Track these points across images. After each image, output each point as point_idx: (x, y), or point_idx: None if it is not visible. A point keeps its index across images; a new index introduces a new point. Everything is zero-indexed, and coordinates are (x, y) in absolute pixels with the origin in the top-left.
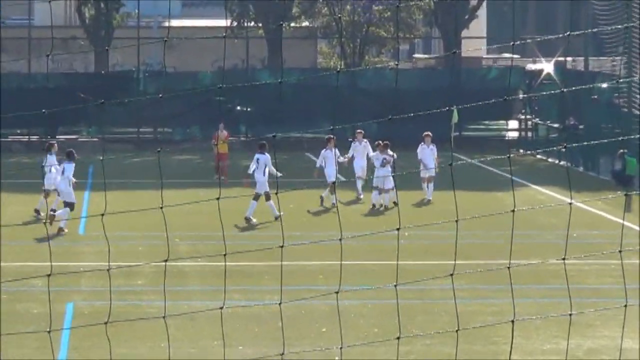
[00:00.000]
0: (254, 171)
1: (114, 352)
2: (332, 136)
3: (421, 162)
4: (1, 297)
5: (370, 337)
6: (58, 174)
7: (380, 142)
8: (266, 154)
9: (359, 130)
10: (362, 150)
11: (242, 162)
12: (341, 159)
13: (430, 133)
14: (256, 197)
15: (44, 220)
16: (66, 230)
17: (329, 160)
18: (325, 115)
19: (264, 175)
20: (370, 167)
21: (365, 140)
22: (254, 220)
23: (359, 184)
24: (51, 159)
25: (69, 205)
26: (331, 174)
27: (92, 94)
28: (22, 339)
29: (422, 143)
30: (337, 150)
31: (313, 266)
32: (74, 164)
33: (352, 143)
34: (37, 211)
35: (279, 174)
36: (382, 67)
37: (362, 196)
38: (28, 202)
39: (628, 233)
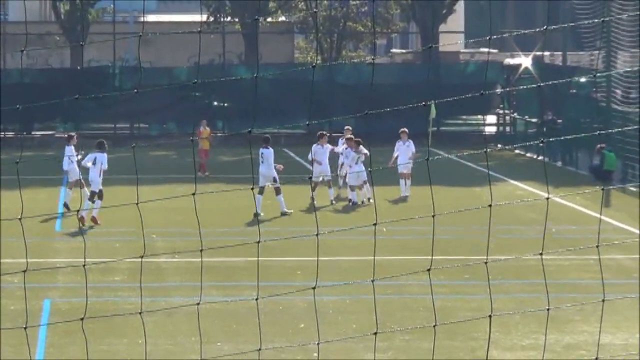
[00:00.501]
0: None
1: (92, 349)
2: (324, 132)
3: (397, 158)
4: None
5: (348, 333)
6: (73, 163)
7: (352, 137)
8: (270, 147)
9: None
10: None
11: (220, 158)
12: (337, 150)
13: (406, 129)
14: (261, 191)
15: (72, 214)
16: (99, 222)
17: (321, 156)
18: (302, 110)
19: (271, 169)
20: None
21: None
22: (262, 214)
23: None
24: (69, 149)
25: (99, 194)
26: (325, 170)
27: (68, 89)
28: None
29: (399, 140)
30: (329, 145)
31: (291, 262)
32: (106, 154)
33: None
34: (66, 205)
35: (280, 168)
36: (359, 62)
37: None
38: (4, 199)
39: (607, 228)
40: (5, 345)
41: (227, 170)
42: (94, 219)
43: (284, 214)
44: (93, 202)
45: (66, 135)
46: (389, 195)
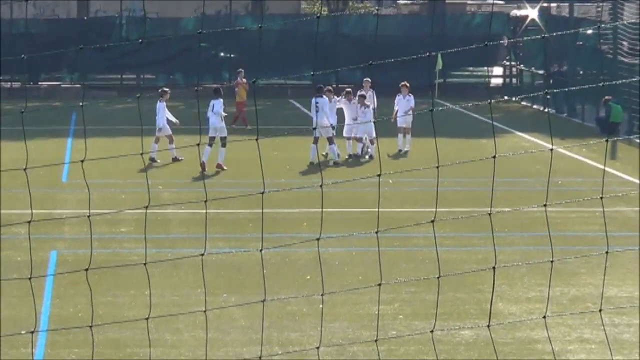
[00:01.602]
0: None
1: (97, 300)
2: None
3: (397, 112)
4: None
5: (354, 284)
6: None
7: (360, 93)
8: (324, 96)
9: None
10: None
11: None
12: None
13: (407, 83)
14: (315, 141)
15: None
16: (225, 168)
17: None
18: (308, 61)
19: (325, 118)
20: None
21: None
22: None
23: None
24: (161, 106)
25: (223, 140)
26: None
27: (74, 40)
28: (4, 287)
29: (399, 93)
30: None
31: (297, 214)
32: (221, 100)
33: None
34: (152, 159)
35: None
36: (365, 14)
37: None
38: (6, 149)
39: (612, 180)
40: (11, 296)
41: (231, 120)
42: (219, 165)
43: (336, 163)
44: (224, 146)
45: (159, 91)
46: (393, 148)
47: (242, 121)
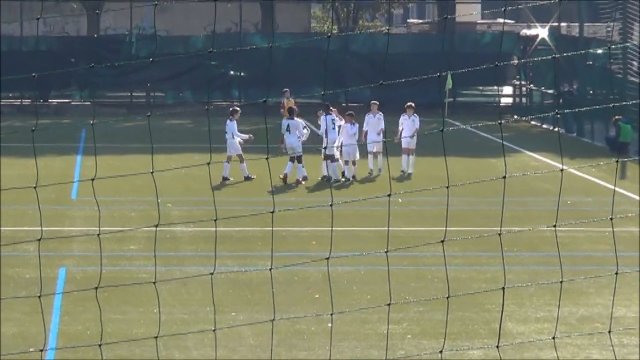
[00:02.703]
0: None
1: (106, 318)
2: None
3: (401, 132)
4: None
5: (363, 303)
6: (235, 139)
7: (352, 113)
8: (331, 114)
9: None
10: (375, 123)
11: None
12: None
13: (412, 104)
14: (330, 158)
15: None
16: (303, 182)
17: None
18: (318, 79)
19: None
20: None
21: (379, 112)
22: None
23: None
24: (231, 125)
25: (298, 158)
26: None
27: (84, 57)
28: (13, 304)
29: (404, 113)
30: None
31: (306, 232)
32: (298, 120)
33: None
34: (224, 178)
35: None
36: (375, 32)
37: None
38: (16, 166)
39: (622, 200)
40: (20, 313)
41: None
42: (298, 181)
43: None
44: (300, 163)
45: (230, 110)
46: (397, 166)
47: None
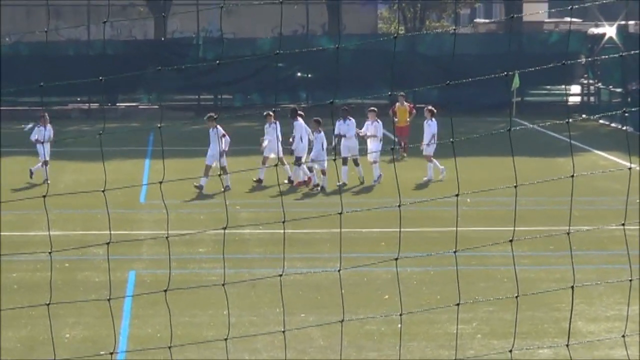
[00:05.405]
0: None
1: (175, 320)
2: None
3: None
4: (62, 266)
5: (432, 304)
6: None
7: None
8: (350, 119)
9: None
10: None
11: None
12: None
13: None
14: (351, 162)
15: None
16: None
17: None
18: (384, 80)
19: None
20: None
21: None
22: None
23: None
24: (298, 125)
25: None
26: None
27: (151, 61)
28: (83, 308)
29: (427, 119)
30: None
31: (375, 233)
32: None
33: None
34: (290, 180)
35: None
36: (441, 32)
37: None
38: (84, 170)
39: None
40: (90, 317)
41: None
42: (301, 183)
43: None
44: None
45: (291, 110)
46: (467, 166)
47: (403, 148)
